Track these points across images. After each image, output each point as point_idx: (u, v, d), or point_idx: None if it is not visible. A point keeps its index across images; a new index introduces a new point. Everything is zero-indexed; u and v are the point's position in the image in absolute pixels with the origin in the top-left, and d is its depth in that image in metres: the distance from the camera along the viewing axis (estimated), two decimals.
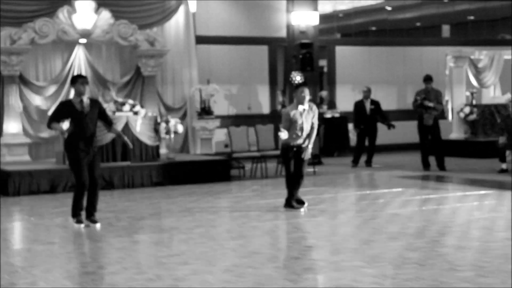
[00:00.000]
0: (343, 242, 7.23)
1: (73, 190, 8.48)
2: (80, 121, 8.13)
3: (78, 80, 8.31)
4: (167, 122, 12.90)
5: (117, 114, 12.48)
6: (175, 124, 12.94)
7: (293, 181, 9.14)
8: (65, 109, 8.29)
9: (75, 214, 8.31)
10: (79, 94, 8.25)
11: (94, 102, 8.45)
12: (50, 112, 9.14)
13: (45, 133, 13.51)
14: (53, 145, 13.30)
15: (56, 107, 8.77)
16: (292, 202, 9.17)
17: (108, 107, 12.75)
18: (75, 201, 8.32)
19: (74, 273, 6.04)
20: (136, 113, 12.58)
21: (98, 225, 8.27)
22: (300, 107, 8.99)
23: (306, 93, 8.95)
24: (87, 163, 8.22)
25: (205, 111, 14.70)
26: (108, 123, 8.56)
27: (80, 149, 8.17)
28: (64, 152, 8.59)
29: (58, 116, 8.25)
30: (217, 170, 12.70)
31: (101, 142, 11.80)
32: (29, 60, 13.55)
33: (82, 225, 8.19)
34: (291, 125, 8.96)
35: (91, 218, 8.34)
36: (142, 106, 13.10)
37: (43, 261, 6.50)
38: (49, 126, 8.39)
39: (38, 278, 5.82)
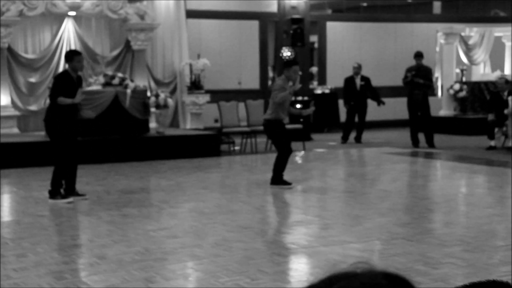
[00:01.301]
0: (332, 218, 7.27)
1: (56, 168, 8.12)
2: (73, 94, 7.99)
3: (75, 58, 8.09)
4: (156, 96, 12.86)
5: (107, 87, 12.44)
6: (165, 98, 12.90)
7: (287, 157, 9.06)
8: (66, 82, 8.01)
9: (58, 192, 8.12)
10: (76, 70, 8.10)
11: (79, 77, 8.37)
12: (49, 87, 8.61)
13: (34, 106, 13.44)
14: (42, 118, 13.21)
15: (57, 82, 8.18)
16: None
17: (98, 81, 12.70)
18: (59, 179, 8.11)
19: (63, 246, 6.04)
20: (125, 86, 12.53)
21: (87, 196, 8.28)
22: (290, 83, 8.96)
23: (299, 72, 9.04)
24: (72, 138, 8.13)
25: (195, 86, 14.65)
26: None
27: (70, 125, 8.09)
28: (52, 126, 8.15)
29: (63, 89, 7.98)
30: (207, 145, 12.69)
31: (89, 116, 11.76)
32: (17, 32, 13.42)
33: (71, 199, 8.11)
34: (283, 102, 8.90)
35: (77, 192, 8.28)
36: (131, 80, 13.04)
37: (32, 234, 6.50)
38: (54, 101, 8.02)
39: (27, 250, 5.83)
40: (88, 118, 8.48)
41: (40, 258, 5.57)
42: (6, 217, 7.72)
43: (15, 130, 13.03)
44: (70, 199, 8.10)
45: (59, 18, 13.72)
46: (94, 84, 12.72)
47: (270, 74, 18.13)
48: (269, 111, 8.99)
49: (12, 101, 13.26)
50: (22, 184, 9.70)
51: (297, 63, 9.41)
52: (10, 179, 10.16)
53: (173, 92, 14.59)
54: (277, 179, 8.99)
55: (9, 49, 13.25)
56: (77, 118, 8.30)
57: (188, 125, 14.63)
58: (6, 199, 8.95)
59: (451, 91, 16.59)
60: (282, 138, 9.03)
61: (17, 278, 5.02)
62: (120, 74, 12.94)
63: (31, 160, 11.17)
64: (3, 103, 13.06)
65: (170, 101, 13.16)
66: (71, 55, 8.21)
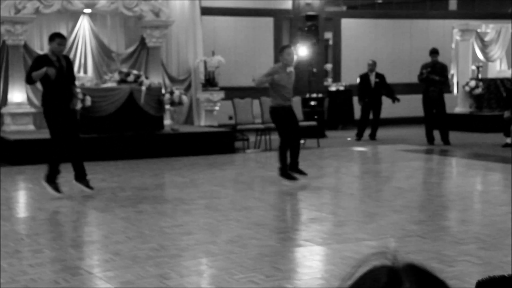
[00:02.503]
0: (346, 215, 7.26)
1: (52, 154, 8.18)
2: (57, 77, 7.95)
3: (56, 39, 8.04)
4: (171, 93, 12.89)
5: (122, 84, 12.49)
6: (180, 95, 12.92)
7: (293, 147, 9.02)
8: (43, 64, 7.95)
9: (53, 179, 8.09)
10: (55, 53, 8.06)
11: (66, 57, 8.35)
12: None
13: None
14: None
15: (33, 62, 8.26)
16: (288, 171, 8.98)
17: (113, 78, 12.75)
18: (54, 167, 8.09)
19: (79, 242, 6.08)
20: (140, 84, 12.57)
21: (92, 192, 8.28)
22: (288, 69, 8.95)
23: (293, 54, 9.06)
24: (67, 124, 8.08)
25: (210, 83, 14.66)
26: (71, 79, 8.33)
27: (59, 109, 8.04)
28: (46, 113, 8.23)
29: (37, 69, 7.94)
30: (221, 142, 12.71)
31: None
32: (33, 30, 13.50)
33: (60, 195, 8.08)
34: (277, 87, 8.85)
35: (85, 183, 8.29)
36: (146, 77, 13.08)
37: (47, 230, 6.55)
38: (29, 81, 8.14)
39: (43, 246, 5.87)
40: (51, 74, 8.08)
41: (56, 254, 5.61)
42: (22, 213, 7.79)
43: (31, 127, 13.11)
44: (60, 194, 8.06)
45: (75, 15, 13.78)
46: (109, 81, 12.78)
47: None
48: (271, 98, 9.08)
49: (28, 98, 13.34)
50: (38, 180, 9.72)
51: (289, 46, 9.48)
52: (26, 176, 10.23)
53: (187, 89, 14.61)
54: (282, 171, 8.94)
55: (25, 46, 13.32)
56: (71, 107, 8.25)
57: (203, 122, 14.65)
58: (22, 195, 9.02)
59: (467, 88, 16.50)
60: (282, 126, 8.96)
61: (34, 274, 5.06)
62: (135, 71, 12.98)
63: (47, 156, 11.19)
64: (19, 100, 13.15)
65: (185, 98, 13.18)
66: (53, 36, 8.16)
